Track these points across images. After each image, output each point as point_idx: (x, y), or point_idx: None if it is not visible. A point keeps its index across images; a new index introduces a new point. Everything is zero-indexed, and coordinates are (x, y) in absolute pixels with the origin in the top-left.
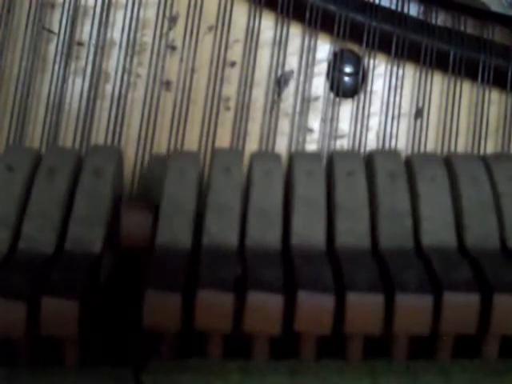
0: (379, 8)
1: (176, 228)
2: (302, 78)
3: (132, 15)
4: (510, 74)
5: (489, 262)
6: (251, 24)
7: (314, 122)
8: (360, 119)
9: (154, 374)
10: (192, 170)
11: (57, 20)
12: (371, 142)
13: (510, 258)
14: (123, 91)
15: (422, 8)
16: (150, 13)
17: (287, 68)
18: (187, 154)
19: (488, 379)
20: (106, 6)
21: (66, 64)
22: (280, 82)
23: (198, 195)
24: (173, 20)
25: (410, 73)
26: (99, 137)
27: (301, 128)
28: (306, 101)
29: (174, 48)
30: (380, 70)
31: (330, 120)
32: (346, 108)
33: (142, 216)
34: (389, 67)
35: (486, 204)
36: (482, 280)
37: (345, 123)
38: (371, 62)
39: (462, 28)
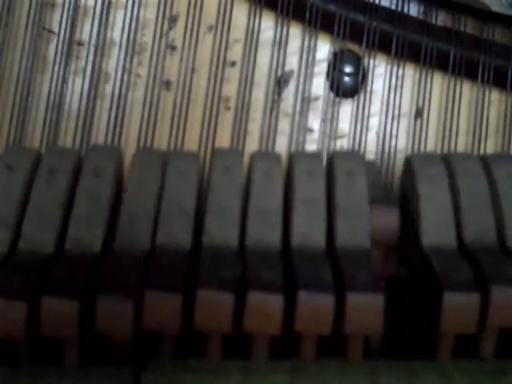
0: (379, 8)
1: (176, 228)
2: (302, 78)
3: (132, 15)
4: (510, 73)
5: (487, 260)
6: (251, 24)
7: (314, 122)
8: (360, 119)
9: (154, 373)
10: (192, 170)
11: (57, 20)
12: (371, 142)
13: (509, 256)
14: (123, 91)
15: (422, 8)
16: (150, 13)
17: (287, 68)
18: (187, 154)
19: (488, 379)
20: (105, 6)
21: (66, 64)
22: (280, 82)
23: (197, 195)
24: (173, 20)
25: (409, 73)
26: (99, 137)
27: (301, 128)
28: (306, 101)
29: (173, 48)
30: (380, 70)
31: (330, 120)
32: (346, 108)
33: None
34: (389, 67)
35: (485, 203)
36: (482, 280)
37: (345, 123)
38: (371, 61)
39: (462, 28)
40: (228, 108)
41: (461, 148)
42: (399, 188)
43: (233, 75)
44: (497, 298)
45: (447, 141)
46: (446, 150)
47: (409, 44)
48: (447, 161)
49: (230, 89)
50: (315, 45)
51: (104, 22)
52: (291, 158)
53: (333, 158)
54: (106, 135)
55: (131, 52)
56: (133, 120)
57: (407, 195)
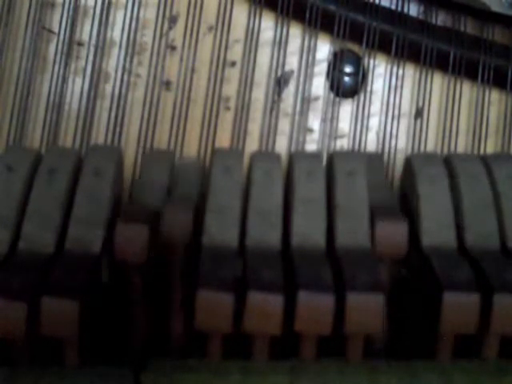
0: (379, 8)
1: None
2: (302, 78)
3: (132, 15)
4: (510, 73)
5: (489, 262)
6: (251, 24)
7: (314, 122)
8: (360, 119)
9: (154, 373)
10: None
11: (57, 20)
12: (371, 142)
13: (510, 257)
14: (123, 91)
15: (421, 8)
16: (150, 13)
17: (287, 68)
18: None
19: (488, 379)
20: (105, 6)
21: (66, 64)
22: (280, 82)
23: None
24: (173, 20)
25: (409, 73)
26: (99, 137)
27: (301, 128)
28: (306, 101)
29: (173, 48)
30: (380, 70)
31: (330, 120)
32: (346, 108)
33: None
34: (389, 67)
35: (486, 204)
36: (482, 280)
37: (345, 123)
38: (371, 61)
39: (462, 28)
40: (228, 108)
41: (461, 148)
42: (399, 188)
43: (233, 75)
44: (500, 306)
45: (447, 141)
46: (446, 150)
47: (409, 44)
48: (448, 162)
49: (230, 89)
50: (315, 45)
51: (104, 21)
52: (291, 158)
53: (333, 157)
54: (106, 135)
55: (131, 52)
56: (133, 120)
57: (407, 195)
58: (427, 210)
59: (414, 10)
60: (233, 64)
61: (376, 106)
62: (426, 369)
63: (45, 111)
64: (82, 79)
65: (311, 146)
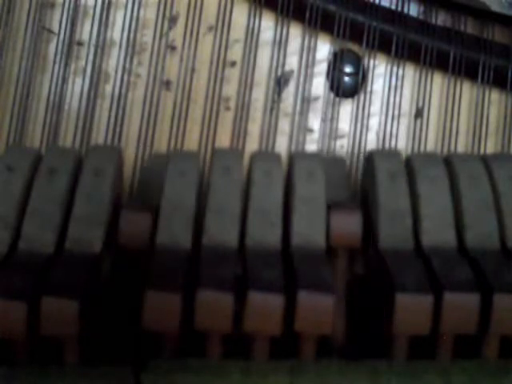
0: (379, 8)
1: (176, 228)
2: (302, 78)
3: (132, 15)
4: (510, 73)
5: (489, 262)
6: (251, 24)
7: (314, 122)
8: (360, 119)
9: (154, 373)
10: (192, 171)
11: (57, 20)
12: (371, 142)
13: (510, 257)
14: (123, 91)
15: (421, 8)
16: (150, 13)
17: (287, 68)
18: (187, 154)
19: (488, 379)
20: (105, 6)
21: (66, 64)
22: (280, 82)
23: (197, 195)
24: (173, 20)
25: (410, 73)
26: (99, 137)
27: (301, 128)
28: (305, 101)
29: (173, 48)
30: (380, 70)
31: (330, 120)
32: (346, 108)
33: (141, 216)
34: (389, 67)
35: (486, 204)
36: (482, 280)
37: (345, 123)
38: (371, 61)
39: (462, 28)
40: (228, 108)
41: (461, 148)
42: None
43: (233, 75)
44: (500, 306)
45: (447, 141)
46: (446, 150)
47: (409, 44)
48: (448, 162)
49: (230, 89)
50: (315, 45)
51: (104, 21)
52: (291, 158)
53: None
54: (106, 135)
55: (131, 52)
56: (133, 120)
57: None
58: (427, 210)
59: (414, 10)
60: (233, 64)
61: (376, 106)
62: (426, 369)
63: (45, 111)
64: (82, 79)
65: (311, 146)
